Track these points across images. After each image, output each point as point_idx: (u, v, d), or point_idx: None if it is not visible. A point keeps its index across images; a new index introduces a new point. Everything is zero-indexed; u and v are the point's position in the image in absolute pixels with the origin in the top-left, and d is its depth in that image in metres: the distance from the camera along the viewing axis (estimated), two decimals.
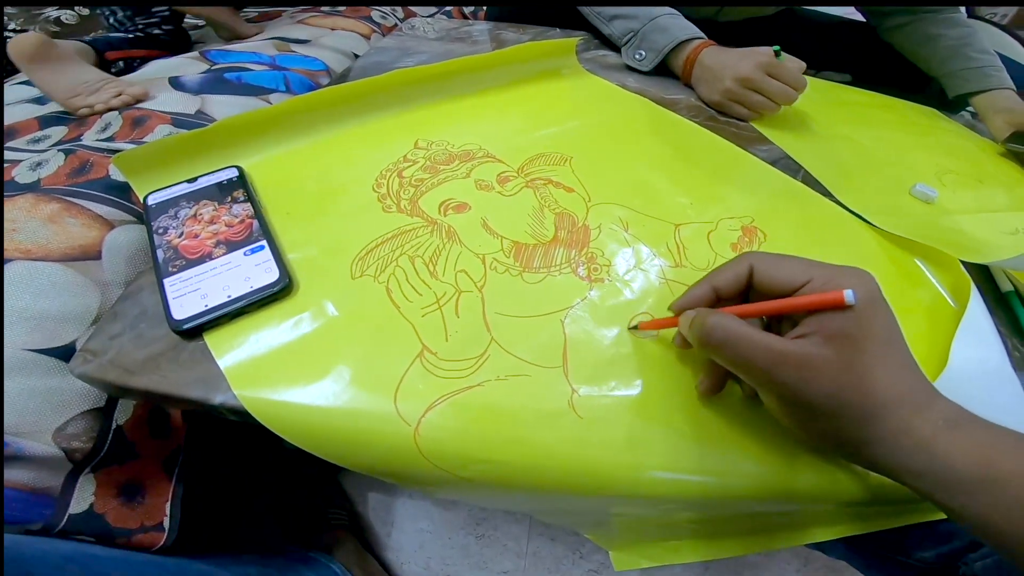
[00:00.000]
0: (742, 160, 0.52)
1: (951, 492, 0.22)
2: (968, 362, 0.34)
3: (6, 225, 0.38)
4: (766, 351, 0.24)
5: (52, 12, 0.83)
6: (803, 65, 0.57)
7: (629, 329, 0.33)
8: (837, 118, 0.64)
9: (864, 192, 0.50)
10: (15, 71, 0.78)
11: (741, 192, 0.47)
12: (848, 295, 0.23)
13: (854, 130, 0.62)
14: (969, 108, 0.73)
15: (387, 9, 0.92)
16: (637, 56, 0.63)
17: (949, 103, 0.73)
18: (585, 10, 0.69)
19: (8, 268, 0.36)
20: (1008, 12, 1.63)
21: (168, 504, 0.41)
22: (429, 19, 0.87)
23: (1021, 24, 1.19)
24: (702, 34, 0.60)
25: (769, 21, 0.80)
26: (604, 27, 0.68)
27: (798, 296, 0.26)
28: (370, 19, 0.85)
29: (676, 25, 0.61)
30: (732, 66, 0.56)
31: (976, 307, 0.38)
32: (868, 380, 0.23)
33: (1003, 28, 0.90)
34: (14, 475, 0.34)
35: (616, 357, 0.32)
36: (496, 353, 0.32)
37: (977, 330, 0.37)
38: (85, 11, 0.87)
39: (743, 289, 0.28)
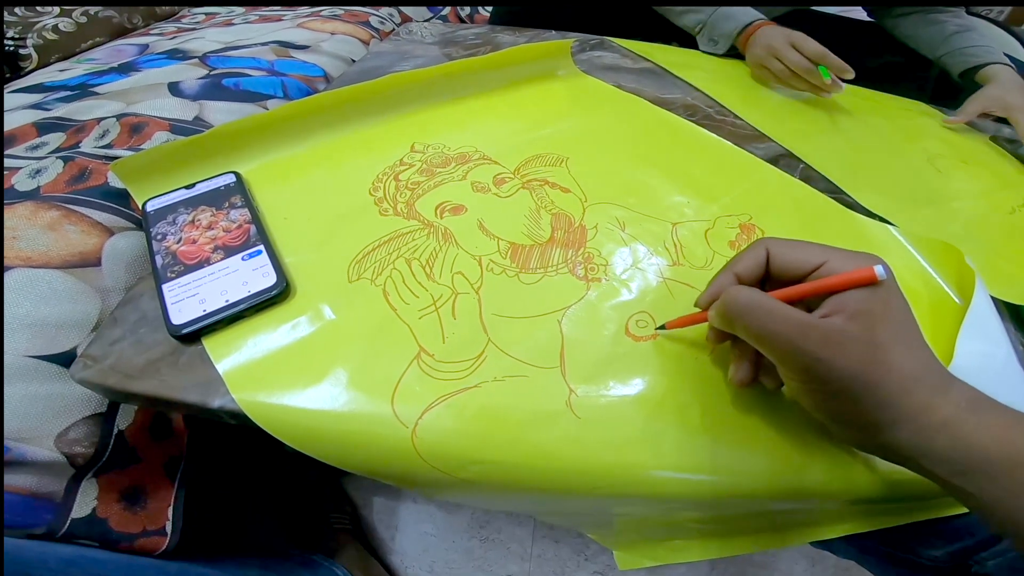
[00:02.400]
0: (739, 158, 0.52)
1: (972, 475, 0.22)
2: (974, 357, 0.34)
3: (6, 233, 0.38)
4: (791, 322, 0.24)
5: (49, 20, 0.83)
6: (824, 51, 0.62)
7: (656, 329, 0.33)
8: (835, 112, 0.65)
9: (875, 187, 0.50)
10: (14, 75, 0.79)
11: (738, 190, 0.47)
12: (879, 271, 0.24)
13: (851, 124, 0.63)
14: None
15: (384, 13, 0.92)
16: (711, 44, 0.72)
17: (948, 91, 0.73)
18: (662, 10, 0.78)
19: (9, 275, 0.36)
20: (1004, 9, 1.63)
21: (170, 508, 0.41)
22: (425, 23, 0.88)
23: (1017, 22, 1.19)
24: (762, 16, 0.69)
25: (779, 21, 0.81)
26: (676, 20, 0.76)
27: (817, 277, 0.26)
28: (368, 24, 0.86)
29: (739, 11, 0.70)
30: (768, 37, 0.66)
31: (982, 301, 0.38)
32: (891, 357, 0.23)
33: (1001, 26, 0.90)
34: (16, 480, 0.34)
35: (614, 357, 0.32)
36: (493, 354, 0.32)
37: (983, 325, 0.37)
38: (83, 19, 0.87)
39: (763, 275, 0.28)
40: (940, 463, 0.23)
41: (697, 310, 0.31)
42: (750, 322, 0.26)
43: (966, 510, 0.32)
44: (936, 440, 0.23)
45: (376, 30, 0.86)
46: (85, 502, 0.37)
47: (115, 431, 0.37)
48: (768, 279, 0.28)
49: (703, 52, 0.74)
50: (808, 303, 0.26)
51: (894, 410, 0.23)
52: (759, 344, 0.26)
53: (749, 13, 0.69)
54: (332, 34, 0.80)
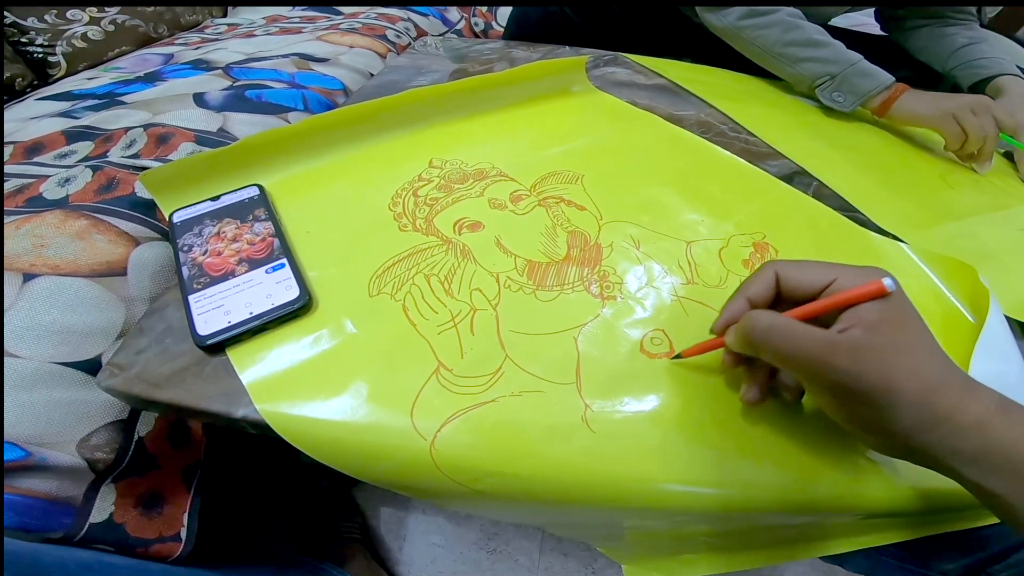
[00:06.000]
0: (752, 176, 0.52)
1: (1005, 476, 0.22)
2: (987, 376, 0.33)
3: (35, 241, 0.39)
4: (817, 340, 0.25)
5: (79, 28, 0.85)
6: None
7: (672, 359, 0.34)
8: (849, 129, 0.65)
9: (887, 205, 0.51)
10: (43, 82, 0.81)
11: (752, 208, 0.47)
12: (888, 283, 0.24)
13: (864, 140, 0.63)
14: None
15: (401, 28, 0.94)
16: (836, 97, 0.65)
17: None
18: (761, 49, 0.69)
19: (36, 283, 0.37)
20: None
21: (186, 515, 0.41)
22: (441, 38, 0.89)
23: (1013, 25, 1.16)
24: (893, 78, 0.64)
25: None
26: (789, 68, 0.68)
27: (829, 294, 0.26)
28: (385, 38, 0.87)
29: (878, 71, 0.64)
30: (952, 96, 0.61)
31: (995, 320, 0.38)
32: (914, 361, 0.24)
33: (1014, 38, 0.90)
34: (37, 484, 0.34)
35: (629, 373, 0.33)
36: (510, 370, 0.32)
37: (997, 344, 0.37)
38: (111, 27, 0.89)
39: (773, 297, 0.29)
40: (971, 464, 0.23)
41: (712, 336, 0.31)
42: (775, 345, 0.26)
43: (980, 523, 0.33)
44: (967, 440, 0.23)
45: (393, 44, 0.88)
46: (103, 507, 0.37)
47: (135, 438, 0.38)
48: (780, 300, 0.29)
49: (824, 106, 0.67)
50: (824, 319, 0.26)
51: (925, 413, 0.23)
52: (785, 365, 0.27)
53: (885, 74, 0.64)
54: (351, 47, 0.81)
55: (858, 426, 0.26)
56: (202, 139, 0.52)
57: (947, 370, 0.24)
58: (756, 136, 0.60)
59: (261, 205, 0.40)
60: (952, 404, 0.23)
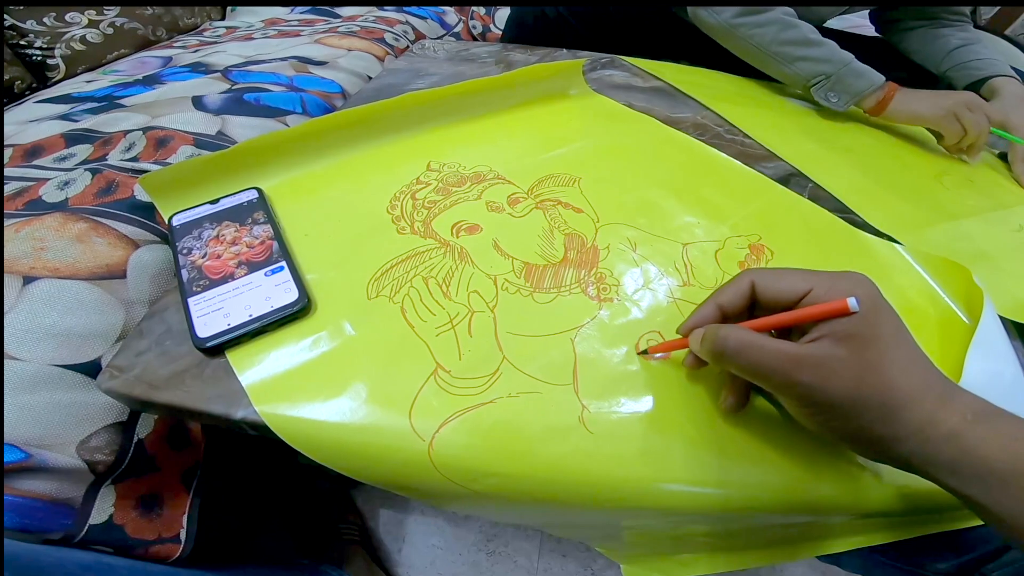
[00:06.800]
0: (748, 178, 0.53)
1: (984, 485, 0.22)
2: (982, 376, 0.34)
3: (34, 244, 0.39)
4: (782, 355, 0.25)
5: (77, 31, 0.85)
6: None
7: (639, 355, 0.34)
8: (844, 131, 0.66)
9: (882, 206, 0.51)
10: (42, 85, 0.81)
11: (748, 210, 0.47)
12: (852, 303, 0.24)
13: (859, 141, 0.64)
14: None
15: (399, 31, 0.94)
16: (831, 97, 0.66)
17: None
18: (756, 48, 0.68)
19: (36, 286, 0.37)
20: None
21: (185, 516, 0.41)
22: (438, 40, 0.90)
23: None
24: (884, 78, 0.64)
25: None
26: (784, 67, 0.68)
27: (802, 306, 0.26)
28: (383, 40, 0.87)
29: (870, 71, 0.64)
30: (947, 93, 0.62)
31: (990, 320, 0.38)
32: (885, 375, 0.24)
33: (1008, 39, 0.91)
34: (37, 486, 0.35)
35: (626, 374, 0.33)
36: (508, 371, 0.32)
37: (991, 344, 0.37)
38: (110, 30, 0.90)
39: (747, 305, 0.29)
40: (949, 474, 0.23)
41: (679, 335, 0.31)
42: (743, 361, 0.26)
43: (974, 523, 0.33)
44: (942, 452, 0.23)
45: (391, 46, 0.88)
46: (103, 508, 0.37)
47: (135, 439, 0.38)
48: (757, 307, 0.29)
49: (819, 108, 0.68)
50: (801, 327, 0.27)
51: (897, 425, 0.24)
52: (754, 379, 0.27)
53: (877, 73, 0.64)
54: (348, 50, 0.82)
55: (833, 435, 0.26)
56: (201, 142, 0.53)
57: (922, 382, 0.24)
58: (752, 138, 0.60)
59: (260, 208, 0.41)
60: (925, 417, 0.23)
